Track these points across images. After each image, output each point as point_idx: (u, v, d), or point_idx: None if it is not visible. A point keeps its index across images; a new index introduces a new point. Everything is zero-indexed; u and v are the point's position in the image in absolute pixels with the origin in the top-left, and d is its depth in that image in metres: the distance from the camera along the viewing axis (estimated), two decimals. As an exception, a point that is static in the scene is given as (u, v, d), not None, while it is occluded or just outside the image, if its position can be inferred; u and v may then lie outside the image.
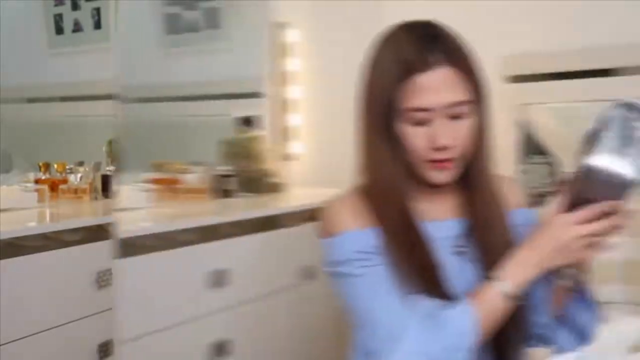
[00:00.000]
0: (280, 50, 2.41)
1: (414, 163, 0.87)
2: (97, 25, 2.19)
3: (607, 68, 2.19)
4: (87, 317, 1.34)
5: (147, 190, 1.70)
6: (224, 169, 2.01)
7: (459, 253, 0.91)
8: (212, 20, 2.19)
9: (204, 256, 1.49)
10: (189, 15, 2.13)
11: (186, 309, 1.45)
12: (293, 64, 2.46)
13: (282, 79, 2.42)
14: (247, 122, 2.24)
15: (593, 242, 0.79)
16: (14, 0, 1.92)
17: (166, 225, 1.44)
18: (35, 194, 1.68)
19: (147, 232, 1.37)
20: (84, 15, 2.16)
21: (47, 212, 1.63)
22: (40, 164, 1.91)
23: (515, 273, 0.82)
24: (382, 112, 0.85)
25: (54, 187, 1.84)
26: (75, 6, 2.14)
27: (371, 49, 0.89)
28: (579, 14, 2.27)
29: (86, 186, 1.87)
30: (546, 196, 2.31)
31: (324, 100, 2.59)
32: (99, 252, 1.35)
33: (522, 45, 2.24)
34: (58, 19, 2.11)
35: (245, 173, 2.08)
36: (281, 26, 2.39)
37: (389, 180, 0.88)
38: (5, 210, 1.55)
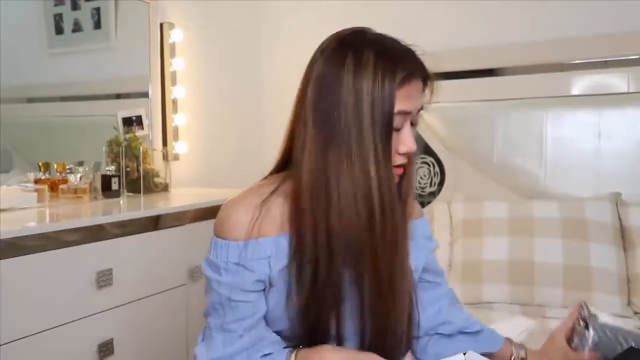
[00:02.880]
0: (165, 51, 2.41)
1: None
2: (97, 25, 2.20)
3: (490, 68, 2.18)
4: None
5: (32, 191, 1.69)
6: (109, 169, 2.03)
7: None
8: (98, 20, 2.19)
9: (89, 256, 1.46)
10: (75, 15, 2.14)
11: (72, 309, 1.42)
12: (177, 64, 2.46)
13: (167, 79, 2.42)
14: (132, 122, 2.25)
15: None
16: (14, 0, 1.91)
17: (51, 225, 1.39)
18: (35, 194, 1.68)
19: (32, 232, 1.32)
20: (84, 15, 2.16)
21: (47, 212, 1.63)
22: (40, 164, 1.91)
23: None
24: (379, 121, 0.81)
25: (54, 187, 1.85)
26: (75, 6, 2.14)
27: (342, 60, 0.83)
28: (463, 15, 2.27)
29: (86, 186, 1.87)
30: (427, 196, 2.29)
31: (207, 100, 2.58)
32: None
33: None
34: (58, 19, 2.11)
35: (130, 173, 2.10)
36: (165, 26, 2.41)
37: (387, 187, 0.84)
38: (5, 210, 1.56)
